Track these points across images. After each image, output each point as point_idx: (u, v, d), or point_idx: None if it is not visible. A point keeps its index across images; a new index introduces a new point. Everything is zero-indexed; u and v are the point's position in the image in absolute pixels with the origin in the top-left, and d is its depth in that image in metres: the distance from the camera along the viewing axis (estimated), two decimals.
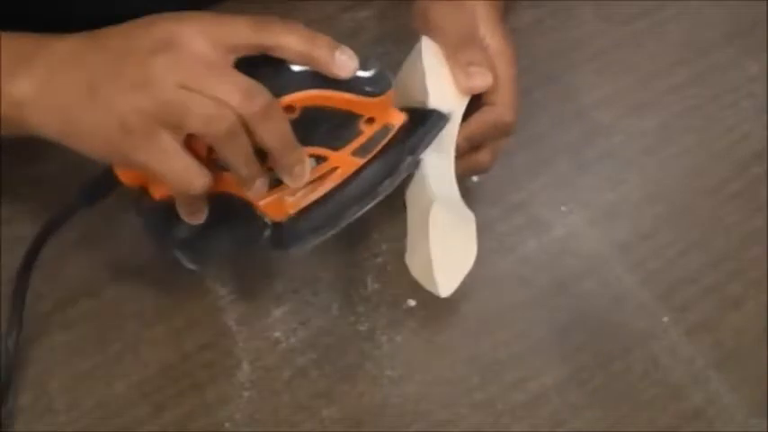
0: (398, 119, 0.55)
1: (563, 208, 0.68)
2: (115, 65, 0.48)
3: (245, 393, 0.59)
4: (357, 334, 0.61)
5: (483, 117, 0.59)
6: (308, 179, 0.53)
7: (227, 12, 0.50)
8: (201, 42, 0.48)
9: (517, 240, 0.66)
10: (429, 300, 0.59)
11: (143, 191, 0.53)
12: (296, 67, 0.49)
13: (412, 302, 0.62)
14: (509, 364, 0.61)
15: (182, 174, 0.48)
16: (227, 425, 0.58)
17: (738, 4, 0.78)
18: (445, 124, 0.58)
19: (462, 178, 0.60)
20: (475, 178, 0.67)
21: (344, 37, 0.71)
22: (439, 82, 0.59)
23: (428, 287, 0.58)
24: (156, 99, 0.47)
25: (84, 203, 0.54)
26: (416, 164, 0.58)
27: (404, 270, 0.59)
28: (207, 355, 0.60)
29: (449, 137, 0.58)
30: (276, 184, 0.53)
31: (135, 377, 0.59)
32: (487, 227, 0.65)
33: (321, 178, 0.55)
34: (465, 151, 0.60)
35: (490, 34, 0.60)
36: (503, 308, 0.63)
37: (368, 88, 0.51)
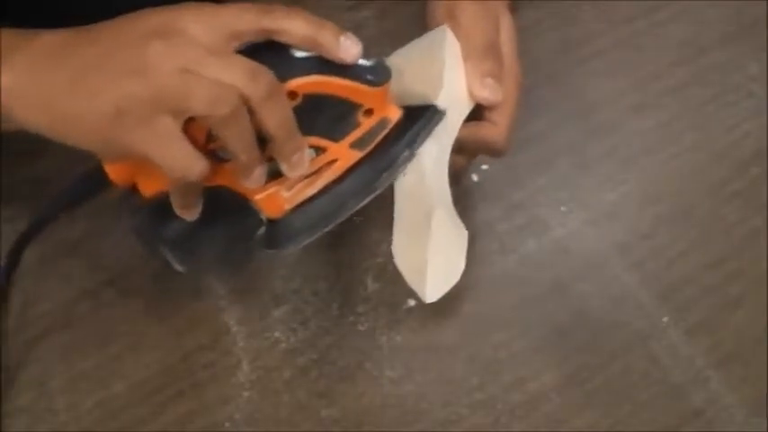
0: (395, 113, 0.55)
1: (563, 208, 0.68)
2: (105, 54, 0.47)
3: (245, 393, 0.59)
4: (357, 334, 0.61)
5: (479, 132, 0.59)
6: (306, 169, 0.52)
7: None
8: (201, 29, 0.46)
9: (517, 240, 0.66)
10: None
11: (132, 189, 0.51)
12: (299, 54, 0.49)
13: (412, 302, 0.62)
14: (509, 364, 0.61)
15: (181, 160, 0.46)
16: (227, 425, 0.58)
17: (738, 4, 0.78)
18: (441, 119, 0.57)
19: (459, 178, 0.60)
20: (475, 178, 0.67)
21: None
22: (453, 78, 0.58)
23: (413, 287, 0.57)
24: (154, 85, 0.45)
25: (71, 203, 0.52)
26: (412, 156, 0.56)
27: None
28: (207, 355, 0.60)
29: (447, 138, 0.58)
30: (272, 177, 0.52)
31: (135, 377, 0.59)
32: (487, 227, 0.65)
33: (318, 172, 0.54)
34: None
35: (507, 49, 0.60)
36: (503, 308, 0.63)
37: (369, 76, 0.51)
